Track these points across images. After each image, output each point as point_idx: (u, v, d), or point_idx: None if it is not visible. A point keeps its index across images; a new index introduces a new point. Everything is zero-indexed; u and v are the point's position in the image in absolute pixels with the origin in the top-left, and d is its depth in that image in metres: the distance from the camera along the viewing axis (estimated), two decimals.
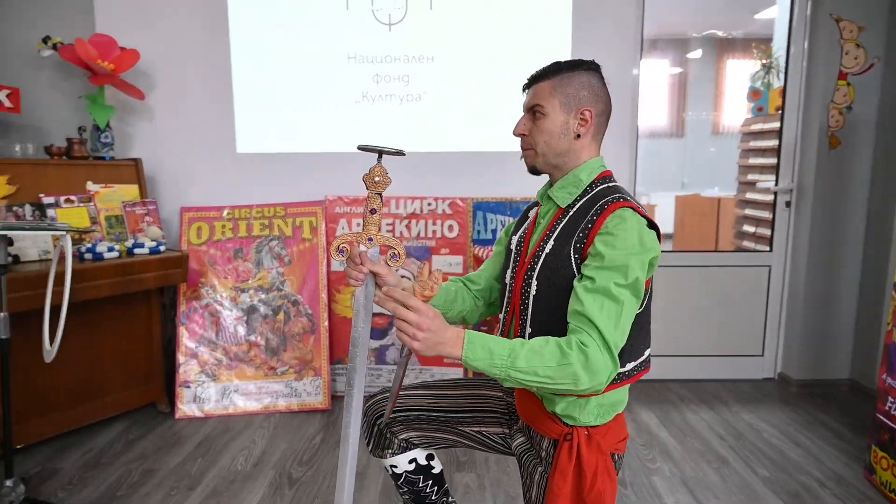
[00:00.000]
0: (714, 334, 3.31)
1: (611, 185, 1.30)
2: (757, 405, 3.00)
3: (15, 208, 2.39)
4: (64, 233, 1.92)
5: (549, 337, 1.15)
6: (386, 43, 3.03)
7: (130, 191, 2.81)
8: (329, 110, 3.09)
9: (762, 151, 3.87)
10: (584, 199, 1.28)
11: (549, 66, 1.34)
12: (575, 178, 1.31)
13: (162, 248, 2.70)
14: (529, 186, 3.07)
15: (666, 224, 5.14)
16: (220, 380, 2.91)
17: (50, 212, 2.49)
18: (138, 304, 2.79)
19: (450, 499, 1.63)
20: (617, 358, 1.15)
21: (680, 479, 2.29)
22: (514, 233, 1.43)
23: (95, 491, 2.18)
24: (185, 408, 2.86)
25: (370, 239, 1.26)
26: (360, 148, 1.26)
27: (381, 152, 1.25)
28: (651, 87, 4.27)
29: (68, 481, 2.25)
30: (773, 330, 3.32)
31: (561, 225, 1.28)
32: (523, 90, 1.39)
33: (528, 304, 1.28)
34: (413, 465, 1.54)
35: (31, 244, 2.35)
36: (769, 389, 3.21)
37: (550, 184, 1.37)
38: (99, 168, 2.75)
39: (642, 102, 3.20)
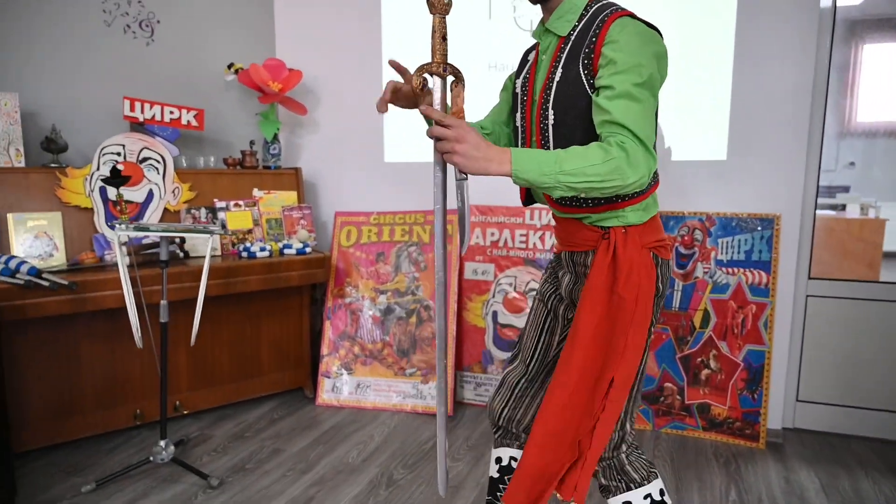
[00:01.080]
0: None
1: (605, 1, 1.32)
2: None
3: (192, 210, 2.83)
4: (208, 235, 2.23)
5: (595, 144, 1.18)
6: None
7: (290, 196, 3.15)
8: (469, 117, 3.11)
9: None
10: (583, 21, 1.31)
11: None
12: (571, 5, 1.33)
13: (308, 249, 2.98)
14: (677, 201, 2.77)
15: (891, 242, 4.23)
16: (355, 374, 3.13)
17: (220, 214, 2.90)
18: (293, 297, 3.12)
19: None
20: (653, 151, 1.21)
21: None
22: (518, 77, 1.47)
23: (231, 461, 2.50)
24: (325, 396, 3.13)
25: (445, 69, 1.30)
26: None
27: None
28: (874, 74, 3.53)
29: (214, 448, 2.60)
30: None
31: (566, 52, 1.31)
32: None
33: (548, 136, 1.34)
34: None
35: (202, 242, 2.77)
36: None
37: (544, 21, 1.38)
38: (265, 176, 3.13)
39: (861, 93, 2.68)
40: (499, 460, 1.64)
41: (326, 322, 3.19)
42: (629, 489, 1.43)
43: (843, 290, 2.76)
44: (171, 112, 2.80)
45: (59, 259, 2.49)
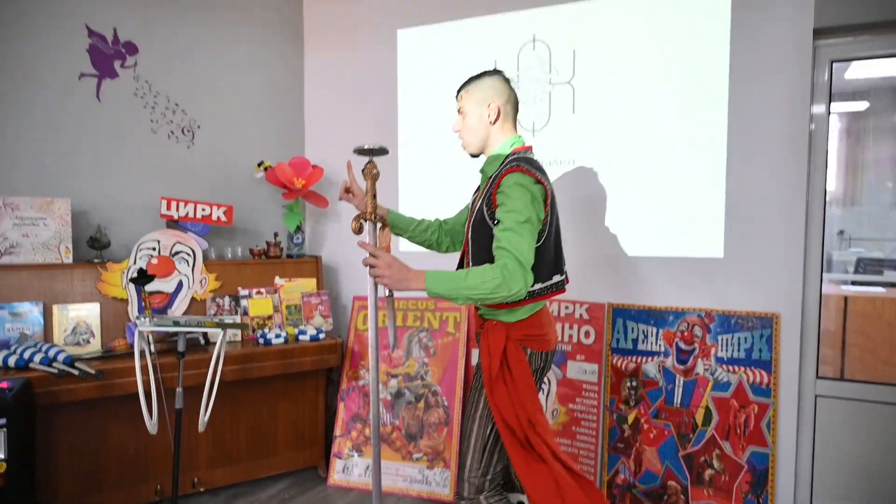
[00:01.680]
0: None
1: (518, 156, 1.84)
2: None
3: (217, 299, 3.08)
4: (219, 329, 2.45)
5: (486, 265, 1.71)
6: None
7: (310, 283, 3.37)
8: None
9: None
10: (498, 172, 1.82)
11: (464, 82, 1.98)
12: (497, 156, 1.90)
13: (321, 335, 3.16)
14: (674, 296, 2.81)
15: None
16: (365, 456, 3.24)
17: (243, 302, 3.14)
18: (310, 378, 3.30)
19: None
20: (530, 271, 1.71)
21: None
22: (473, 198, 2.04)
23: None
24: (337, 476, 3.24)
25: (375, 217, 1.97)
26: (356, 150, 1.97)
27: (371, 151, 1.93)
28: None
29: None
30: None
31: (486, 190, 1.85)
32: (456, 99, 2.00)
33: (469, 246, 1.91)
34: None
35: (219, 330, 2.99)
36: None
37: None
38: (287, 265, 3.37)
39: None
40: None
41: (340, 403, 3.34)
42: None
43: (857, 392, 2.68)
44: (203, 209, 3.11)
45: (94, 346, 2.77)
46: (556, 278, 1.89)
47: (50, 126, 2.93)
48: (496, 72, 1.96)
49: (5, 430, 2.08)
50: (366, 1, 3.52)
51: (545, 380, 3.06)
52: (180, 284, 3.00)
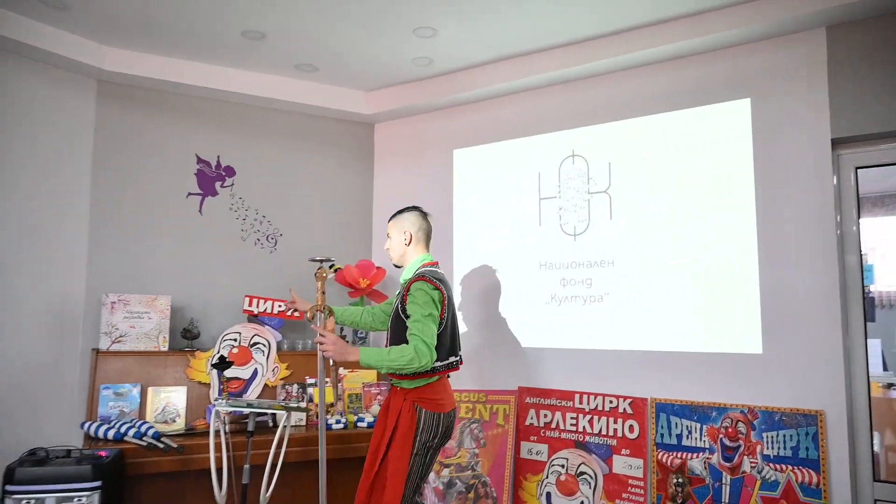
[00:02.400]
0: None
1: (426, 269, 2.52)
2: None
3: (286, 386, 3.41)
4: (284, 412, 2.75)
5: (403, 345, 2.37)
6: (571, 251, 3.39)
7: (370, 374, 3.65)
8: (524, 309, 3.52)
9: None
10: (412, 278, 2.49)
11: (392, 215, 2.72)
12: (411, 268, 2.59)
13: None
14: (716, 392, 2.87)
15: None
16: None
17: (309, 390, 3.46)
18: None
19: None
20: (433, 349, 2.36)
21: None
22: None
23: None
24: None
25: (324, 309, 2.72)
26: (311, 259, 2.80)
27: (321, 261, 2.74)
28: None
29: None
30: None
31: (402, 293, 2.51)
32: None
33: (389, 332, 2.59)
34: None
35: (292, 413, 3.29)
36: None
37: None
38: None
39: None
40: None
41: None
42: None
43: None
44: (279, 306, 3.53)
45: (179, 424, 3.13)
46: (452, 359, 2.54)
47: (160, 236, 3.51)
48: (414, 208, 2.71)
49: (100, 491, 2.41)
50: (427, 126, 4.03)
51: (591, 473, 3.11)
52: (255, 372, 3.37)
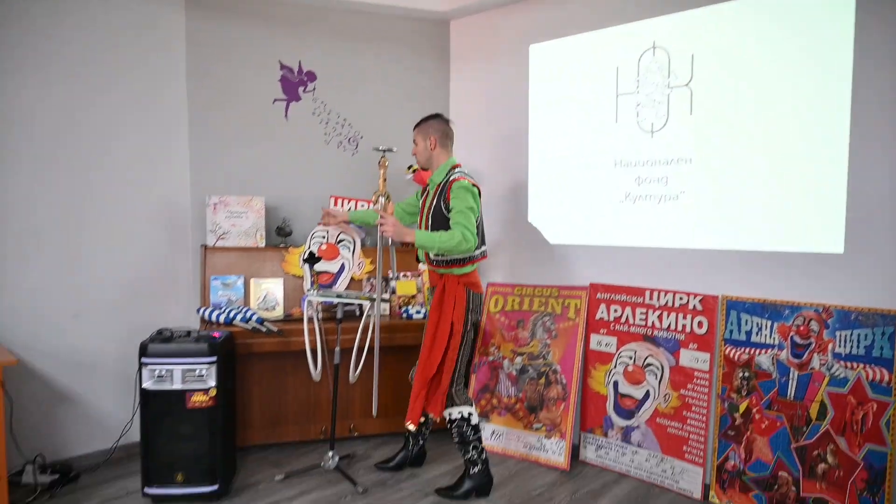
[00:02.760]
0: None
1: (457, 171, 2.90)
2: None
3: (371, 280, 3.70)
4: (368, 301, 3.03)
5: (451, 230, 2.76)
6: (648, 148, 3.32)
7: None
8: (598, 208, 3.55)
9: None
10: (446, 180, 2.88)
11: (418, 122, 3.04)
12: (441, 171, 2.95)
13: None
14: (791, 291, 2.85)
15: None
16: (491, 422, 3.66)
17: (392, 283, 3.73)
18: None
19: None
20: (476, 235, 2.78)
21: None
22: (422, 196, 3.15)
23: (378, 476, 3.21)
24: None
25: (385, 195, 3.22)
26: (375, 149, 3.26)
27: (385, 151, 3.23)
28: None
29: (369, 465, 3.35)
30: None
31: (437, 192, 2.91)
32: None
33: (429, 224, 2.92)
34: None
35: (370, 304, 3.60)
36: None
37: (431, 176, 3.03)
38: None
39: None
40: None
41: (472, 375, 3.80)
42: (453, 405, 2.95)
43: None
44: (362, 205, 3.75)
45: (278, 312, 3.52)
46: (483, 247, 2.98)
47: (251, 140, 3.77)
48: (438, 115, 3.02)
49: (216, 365, 2.83)
50: (503, 21, 3.93)
51: (658, 364, 3.24)
52: (343, 266, 3.67)
